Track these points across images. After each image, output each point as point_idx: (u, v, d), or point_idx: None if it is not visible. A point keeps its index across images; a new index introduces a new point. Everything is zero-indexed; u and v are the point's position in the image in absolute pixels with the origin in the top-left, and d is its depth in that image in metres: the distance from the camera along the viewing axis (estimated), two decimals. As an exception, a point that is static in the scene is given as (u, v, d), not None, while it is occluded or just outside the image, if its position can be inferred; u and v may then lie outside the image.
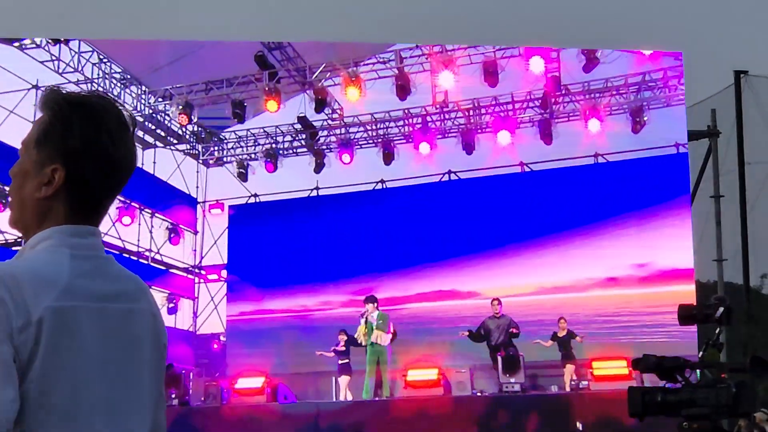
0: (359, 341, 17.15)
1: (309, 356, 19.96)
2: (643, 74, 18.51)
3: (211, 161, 22.77)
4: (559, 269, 19.58)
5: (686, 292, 16.59)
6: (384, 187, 21.38)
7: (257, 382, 16.77)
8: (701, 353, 5.20)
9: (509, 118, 19.54)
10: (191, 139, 22.39)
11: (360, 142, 20.83)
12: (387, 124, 20.30)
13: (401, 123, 20.53)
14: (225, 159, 22.63)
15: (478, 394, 15.77)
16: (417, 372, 16.14)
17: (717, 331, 5.14)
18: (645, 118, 18.96)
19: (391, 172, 20.67)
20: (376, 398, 16.38)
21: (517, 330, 17.06)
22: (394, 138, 20.48)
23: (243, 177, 21.55)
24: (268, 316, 21.59)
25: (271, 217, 22.05)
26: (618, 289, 19.00)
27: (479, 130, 20.12)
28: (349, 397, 17.70)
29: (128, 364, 2.32)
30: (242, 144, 21.94)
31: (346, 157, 20.56)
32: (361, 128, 20.80)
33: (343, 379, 18.19)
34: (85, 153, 2.28)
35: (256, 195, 22.41)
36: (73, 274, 2.24)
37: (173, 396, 16.34)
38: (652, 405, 5.03)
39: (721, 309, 5.12)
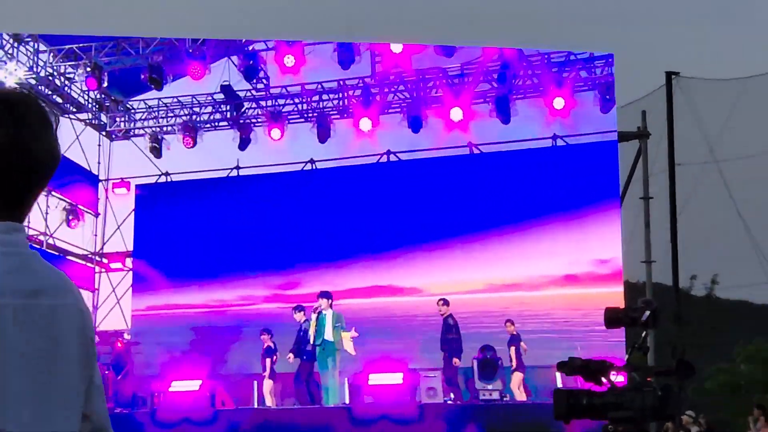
0: (309, 339, 16.22)
1: (227, 357, 19.09)
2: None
3: (116, 133, 21.01)
4: (509, 264, 18.53)
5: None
6: (314, 167, 19.88)
7: (194, 385, 15.89)
8: (627, 356, 5.40)
9: (463, 92, 18.00)
10: (93, 108, 20.46)
11: (291, 117, 19.33)
12: (322, 96, 17.86)
13: (337, 96, 19.14)
14: (133, 131, 20.90)
15: (449, 401, 15.14)
16: (379, 376, 15.31)
17: (643, 334, 5.24)
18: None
19: (326, 151, 19.30)
20: (337, 404, 15.82)
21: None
22: (331, 112, 18.88)
23: (156, 152, 19.87)
24: (179, 311, 19.97)
25: (184, 199, 20.45)
26: (578, 287, 18.02)
27: (425, 105, 18.91)
28: (270, 404, 16.97)
29: (54, 359, 2.37)
30: (154, 115, 20.26)
31: (275, 132, 19.16)
32: (292, 100, 19.46)
33: (267, 384, 17.23)
34: (7, 150, 2.32)
35: (167, 173, 20.70)
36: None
37: None
38: (577, 407, 5.09)
39: (648, 312, 5.21)
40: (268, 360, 17.21)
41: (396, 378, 15.24)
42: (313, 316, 16.27)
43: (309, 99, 19.09)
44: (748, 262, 25.57)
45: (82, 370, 2.48)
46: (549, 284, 18.04)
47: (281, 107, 19.22)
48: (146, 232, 20.56)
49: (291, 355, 16.82)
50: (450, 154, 19.28)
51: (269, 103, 19.21)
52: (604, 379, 5.13)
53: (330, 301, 16.42)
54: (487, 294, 18.35)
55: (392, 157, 19.41)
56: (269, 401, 17.05)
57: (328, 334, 16.10)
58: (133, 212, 20.89)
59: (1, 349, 2.29)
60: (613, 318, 5.34)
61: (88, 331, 2.52)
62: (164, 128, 20.12)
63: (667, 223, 19.61)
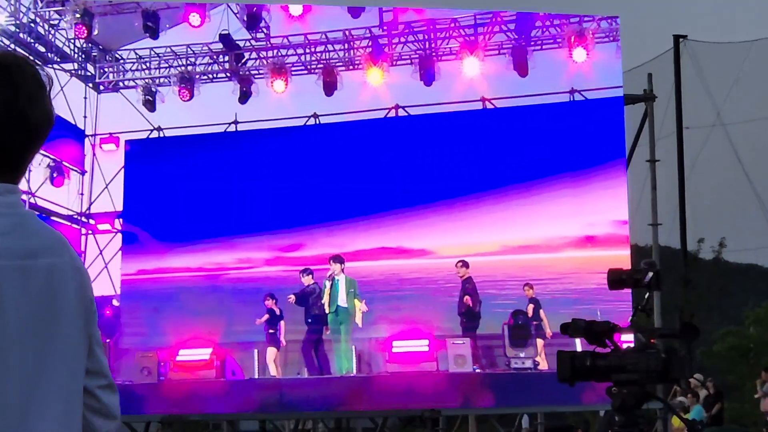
0: (323, 307, 15.80)
1: (225, 325, 17.84)
2: None
3: (105, 85, 20.00)
4: (526, 225, 17.75)
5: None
6: (318, 122, 18.89)
7: (203, 353, 15.42)
8: (630, 318, 5.34)
9: (476, 43, 17.59)
10: (79, 57, 19.48)
11: (295, 68, 18.59)
12: (327, 47, 17.48)
13: (343, 47, 18.49)
14: (123, 83, 19.95)
15: (478, 370, 14.68)
16: (404, 343, 14.89)
17: (646, 295, 5.31)
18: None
19: (332, 105, 18.37)
20: (354, 373, 15.48)
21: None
22: (337, 64, 18.14)
23: (150, 106, 18.93)
24: (173, 276, 19.01)
25: (178, 156, 19.44)
26: (589, 250, 17.38)
27: (437, 57, 18.15)
28: (274, 373, 16.33)
29: (54, 318, 2.44)
30: (146, 66, 19.39)
31: (278, 85, 18.18)
32: (295, 51, 18.73)
33: (270, 352, 16.58)
34: (2, 113, 2.38)
35: (160, 128, 19.66)
36: None
37: None
38: (581, 369, 5.09)
39: (651, 274, 5.23)
40: (272, 327, 16.58)
41: (422, 345, 14.82)
42: (327, 283, 15.82)
43: (313, 50, 18.26)
44: (756, 225, 26.39)
45: (83, 328, 2.54)
46: (561, 246, 17.46)
47: (284, 58, 17.97)
48: (137, 191, 19.50)
49: (293, 297, 16.42)
50: (463, 109, 18.43)
51: (272, 53, 17.93)
52: (608, 341, 5.12)
53: (343, 265, 15.96)
54: (501, 256, 17.69)
55: (401, 112, 18.59)
56: (273, 370, 16.45)
57: (342, 300, 15.67)
58: (123, 170, 19.79)
59: (0, 312, 2.35)
60: (616, 279, 5.38)
61: (86, 289, 2.57)
62: (157, 80, 19.19)
63: (673, 187, 19.84)
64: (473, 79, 17.65)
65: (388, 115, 18.68)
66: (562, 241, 17.57)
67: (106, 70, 19.99)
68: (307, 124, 18.85)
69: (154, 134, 19.76)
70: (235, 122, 19.19)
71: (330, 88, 17.94)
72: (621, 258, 16.07)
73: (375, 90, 18.06)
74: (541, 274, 17.32)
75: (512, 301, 16.67)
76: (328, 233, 18.26)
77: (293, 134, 18.84)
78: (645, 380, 5.06)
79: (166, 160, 19.44)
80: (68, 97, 19.73)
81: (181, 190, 19.07)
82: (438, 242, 18.02)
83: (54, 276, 2.48)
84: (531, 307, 16.07)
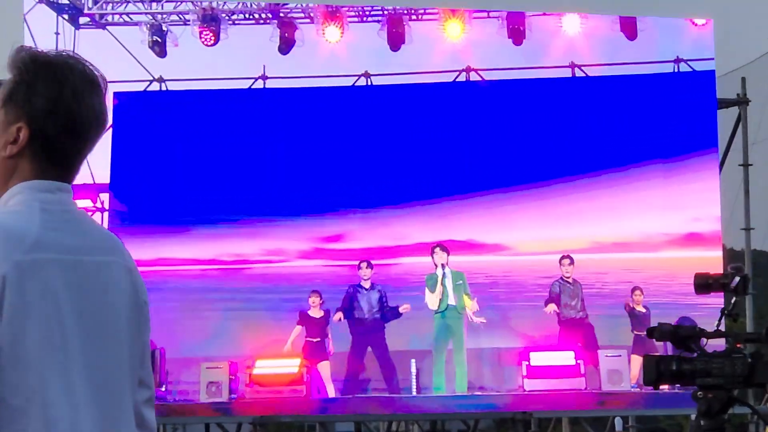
0: (430, 305, 14.75)
1: (250, 331, 15.48)
2: None
3: (85, 19, 16.99)
4: (622, 218, 16.32)
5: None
6: (369, 83, 16.38)
7: (291, 365, 13.89)
8: (717, 322, 5.58)
9: None
10: None
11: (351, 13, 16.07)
12: None
13: None
14: (110, 17, 16.98)
15: (637, 389, 14.11)
16: (543, 356, 14.17)
17: (733, 300, 5.50)
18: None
19: (396, 62, 15.85)
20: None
21: None
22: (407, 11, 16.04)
23: (159, 49, 16.05)
24: (174, 269, 16.13)
25: (184, 116, 16.59)
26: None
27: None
28: (330, 393, 14.88)
29: (106, 318, 2.57)
30: None
31: (332, 32, 15.60)
32: None
33: (323, 367, 14.84)
34: (49, 111, 2.57)
35: (162, 79, 16.63)
36: (44, 227, 2.52)
37: None
38: (666, 374, 5.35)
39: (737, 278, 5.41)
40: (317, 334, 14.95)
41: (567, 357, 14.03)
42: (438, 275, 14.72)
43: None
44: None
45: (135, 333, 2.66)
46: (659, 245, 16.21)
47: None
48: (128, 158, 16.62)
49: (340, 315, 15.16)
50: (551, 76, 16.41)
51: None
52: (693, 345, 5.40)
53: (448, 255, 15.00)
54: (591, 254, 16.03)
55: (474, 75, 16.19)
56: (331, 391, 14.88)
57: (451, 298, 14.69)
58: (110, 130, 16.34)
59: (53, 306, 2.47)
60: (702, 284, 5.58)
61: (140, 293, 2.70)
62: (163, 18, 16.38)
63: (762, 192, 19.89)
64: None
65: (457, 79, 16.43)
66: (660, 239, 16.28)
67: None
68: (356, 84, 16.42)
69: (154, 86, 16.88)
70: (263, 77, 16.45)
71: (396, 41, 15.64)
72: (712, 260, 15.55)
73: (451, 47, 15.94)
74: (637, 275, 16.05)
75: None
76: (375, 220, 16.14)
77: (334, 96, 16.43)
78: (730, 385, 5.24)
79: (168, 120, 16.70)
80: (33, 30, 16.81)
81: (187, 159, 16.39)
82: (515, 237, 16.18)
83: (106, 274, 2.59)
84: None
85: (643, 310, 15.26)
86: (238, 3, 16.26)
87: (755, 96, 18.76)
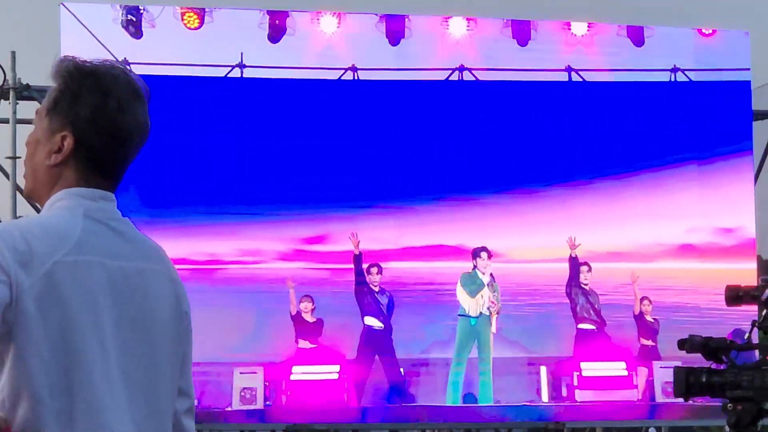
0: (467, 310, 14.65)
1: (225, 335, 14.68)
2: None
3: None
4: (621, 226, 16.17)
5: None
6: (356, 77, 15.82)
7: (330, 370, 13.89)
8: (748, 334, 5.71)
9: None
10: None
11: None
12: None
13: None
14: None
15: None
16: (594, 366, 14.34)
17: (764, 312, 5.62)
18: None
19: (392, 57, 15.42)
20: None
21: None
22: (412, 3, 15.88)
23: (134, 29, 15.12)
24: None
25: (157, 105, 13.58)
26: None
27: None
28: None
29: (145, 322, 2.61)
30: None
31: (328, 23, 15.08)
32: None
33: None
34: (93, 121, 2.66)
35: (126, 62, 14.87)
36: (86, 231, 2.59)
37: None
38: (696, 386, 5.50)
39: None
40: (316, 341, 14.66)
41: (618, 368, 14.30)
42: (485, 279, 14.74)
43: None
44: None
45: (175, 341, 2.72)
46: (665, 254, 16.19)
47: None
48: None
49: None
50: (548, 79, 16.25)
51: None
52: (724, 357, 5.54)
53: (490, 259, 14.99)
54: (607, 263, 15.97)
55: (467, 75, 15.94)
56: None
57: (485, 306, 14.71)
58: None
59: (93, 308, 2.51)
60: (733, 296, 5.73)
61: (182, 303, 2.77)
62: None
63: None
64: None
65: (449, 78, 15.98)
66: (656, 249, 16.16)
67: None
68: (342, 78, 15.83)
69: None
70: (241, 65, 15.74)
71: (396, 35, 15.22)
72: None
73: (453, 44, 15.60)
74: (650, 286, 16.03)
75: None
76: (364, 221, 15.55)
77: (317, 89, 15.78)
78: (760, 397, 5.32)
79: None
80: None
81: (162, 151, 15.24)
82: (507, 243, 15.85)
83: (148, 281, 2.65)
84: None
85: (652, 320, 15.33)
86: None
87: None
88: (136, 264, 2.61)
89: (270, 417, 13.87)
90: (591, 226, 16.00)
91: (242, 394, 13.56)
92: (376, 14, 15.58)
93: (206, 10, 15.03)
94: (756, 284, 5.80)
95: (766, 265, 19.26)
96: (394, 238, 15.62)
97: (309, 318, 14.68)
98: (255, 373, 13.83)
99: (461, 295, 14.91)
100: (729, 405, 5.40)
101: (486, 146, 15.87)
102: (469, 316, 14.77)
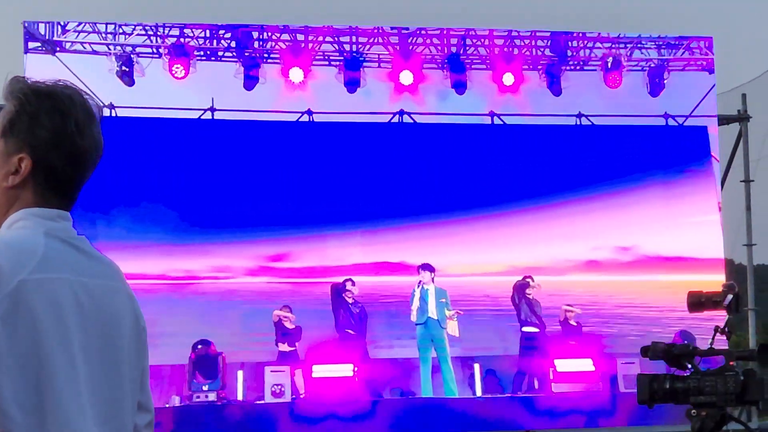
0: (411, 317, 16.56)
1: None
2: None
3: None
4: (540, 245, 18.52)
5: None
6: (311, 119, 18.29)
7: (345, 369, 15.29)
8: (710, 340, 5.73)
9: (514, 56, 18.30)
10: None
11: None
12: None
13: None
14: (67, 46, 17.85)
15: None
16: (567, 362, 15.94)
17: (726, 318, 5.71)
18: (665, 81, 18.94)
19: (351, 102, 18.03)
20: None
21: None
22: (368, 55, 18.20)
23: (127, 78, 17.31)
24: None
25: (134, 142, 17.62)
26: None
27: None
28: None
29: (109, 338, 2.61)
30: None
31: (296, 74, 17.53)
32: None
33: (298, 375, 16.22)
34: (53, 143, 2.62)
35: (112, 106, 17.59)
36: (49, 248, 2.56)
37: (205, 388, 14.69)
38: (660, 392, 5.48)
39: (730, 296, 5.61)
40: (294, 345, 16.38)
41: (587, 364, 15.86)
42: (417, 291, 16.55)
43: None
44: None
45: (135, 357, 2.74)
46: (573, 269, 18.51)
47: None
48: None
49: None
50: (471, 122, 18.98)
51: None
52: (687, 363, 5.59)
53: (433, 274, 16.72)
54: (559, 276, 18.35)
55: (406, 118, 18.60)
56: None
57: (432, 311, 16.36)
58: None
59: (61, 323, 2.50)
60: (695, 302, 5.79)
61: (140, 319, 2.80)
62: (125, 50, 17.54)
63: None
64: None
65: (392, 120, 18.66)
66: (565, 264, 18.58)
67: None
68: (300, 120, 18.36)
69: (105, 112, 17.35)
70: (212, 109, 18.21)
71: (354, 83, 17.79)
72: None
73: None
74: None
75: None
76: (317, 242, 17.78)
77: (274, 130, 18.21)
78: (723, 402, 5.36)
79: (117, 144, 17.25)
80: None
81: (139, 180, 17.64)
82: (441, 260, 17.78)
83: (110, 298, 2.66)
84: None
85: (575, 324, 17.29)
86: (206, 40, 17.72)
87: (759, 113, 19.51)
88: (99, 281, 2.61)
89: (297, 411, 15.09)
90: (527, 244, 18.05)
91: (273, 389, 15.01)
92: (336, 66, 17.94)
93: (190, 61, 17.10)
94: (719, 290, 5.81)
95: (737, 269, 20.17)
96: (343, 256, 17.56)
97: (289, 325, 16.34)
98: (283, 371, 15.22)
99: (415, 304, 16.48)
100: (693, 411, 5.38)
101: (425, 177, 18.10)
102: (423, 323, 16.34)
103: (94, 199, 16.92)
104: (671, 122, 19.29)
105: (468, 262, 18.10)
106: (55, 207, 2.62)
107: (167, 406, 14.92)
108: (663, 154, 19.00)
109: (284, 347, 16.32)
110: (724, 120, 19.26)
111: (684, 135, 19.29)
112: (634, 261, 18.70)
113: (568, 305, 17.42)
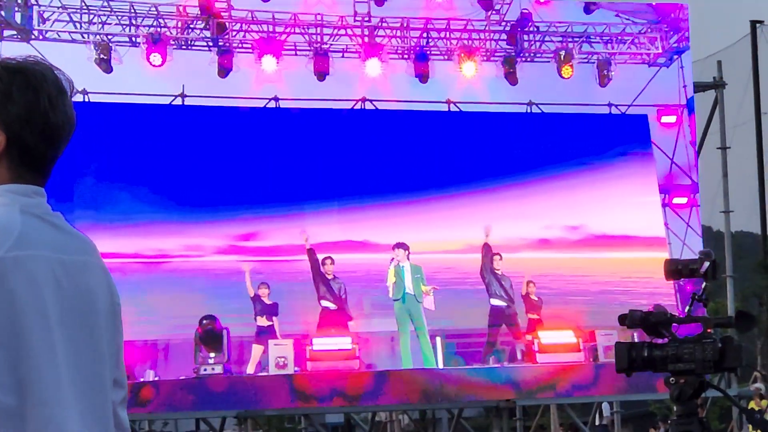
0: (390, 294, 17.27)
1: (173, 320, 17.85)
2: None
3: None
4: (498, 223, 19.45)
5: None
6: (277, 105, 19.53)
7: (344, 342, 16.02)
8: (688, 308, 5.84)
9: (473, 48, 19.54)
10: None
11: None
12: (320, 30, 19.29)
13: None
14: (48, 30, 18.71)
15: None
16: (550, 334, 16.72)
17: (703, 285, 5.71)
18: (612, 73, 19.99)
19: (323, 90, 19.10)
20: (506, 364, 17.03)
21: None
22: (333, 46, 19.28)
23: (105, 66, 18.12)
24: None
25: (107, 126, 18.43)
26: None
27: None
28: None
29: (87, 315, 2.60)
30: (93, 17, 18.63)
31: (269, 62, 18.45)
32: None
33: (257, 349, 17.01)
34: (26, 119, 2.59)
35: (85, 92, 18.45)
36: (26, 225, 2.54)
37: (211, 360, 15.25)
38: (638, 360, 5.54)
39: (707, 264, 5.61)
40: (272, 319, 17.13)
41: (567, 336, 16.59)
42: (391, 268, 17.26)
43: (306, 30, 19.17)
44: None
45: (111, 333, 2.71)
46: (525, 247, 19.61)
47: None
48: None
49: None
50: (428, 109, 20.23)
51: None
52: (665, 331, 5.60)
53: (407, 252, 17.43)
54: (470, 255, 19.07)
55: (368, 105, 19.92)
56: (252, 368, 17.06)
57: (409, 287, 17.04)
58: None
59: (39, 300, 2.48)
60: (672, 270, 5.78)
61: (114, 295, 2.76)
62: (106, 37, 18.46)
63: (752, 173, 21.32)
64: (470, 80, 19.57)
65: (354, 107, 19.98)
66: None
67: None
68: (267, 106, 19.56)
69: (78, 98, 18.55)
70: (182, 95, 19.32)
71: (322, 75, 18.85)
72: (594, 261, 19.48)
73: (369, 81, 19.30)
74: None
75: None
76: (283, 222, 18.82)
77: (243, 117, 19.35)
78: (701, 370, 5.42)
79: (90, 128, 17.93)
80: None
81: (110, 161, 18.53)
82: (402, 238, 18.70)
83: (87, 274, 2.63)
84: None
85: (536, 299, 18.24)
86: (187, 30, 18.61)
87: (735, 79, 20.08)
88: (76, 257, 2.58)
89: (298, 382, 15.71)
90: (483, 224, 18.74)
91: (276, 361, 15.66)
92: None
93: (167, 48, 17.92)
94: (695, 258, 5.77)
95: (714, 236, 20.85)
96: (315, 235, 18.30)
97: (266, 300, 17.06)
98: (285, 345, 15.92)
99: (390, 281, 17.23)
100: (671, 379, 5.40)
101: (395, 159, 19.05)
102: (400, 299, 17.02)
103: (69, 181, 17.72)
104: (614, 111, 20.51)
105: (428, 239, 18.70)
106: (30, 183, 2.60)
107: (142, 380, 15.55)
108: (607, 140, 20.20)
109: (263, 321, 16.92)
110: (699, 87, 19.58)
111: (626, 123, 20.54)
112: (582, 239, 19.83)
113: (530, 281, 18.21)
